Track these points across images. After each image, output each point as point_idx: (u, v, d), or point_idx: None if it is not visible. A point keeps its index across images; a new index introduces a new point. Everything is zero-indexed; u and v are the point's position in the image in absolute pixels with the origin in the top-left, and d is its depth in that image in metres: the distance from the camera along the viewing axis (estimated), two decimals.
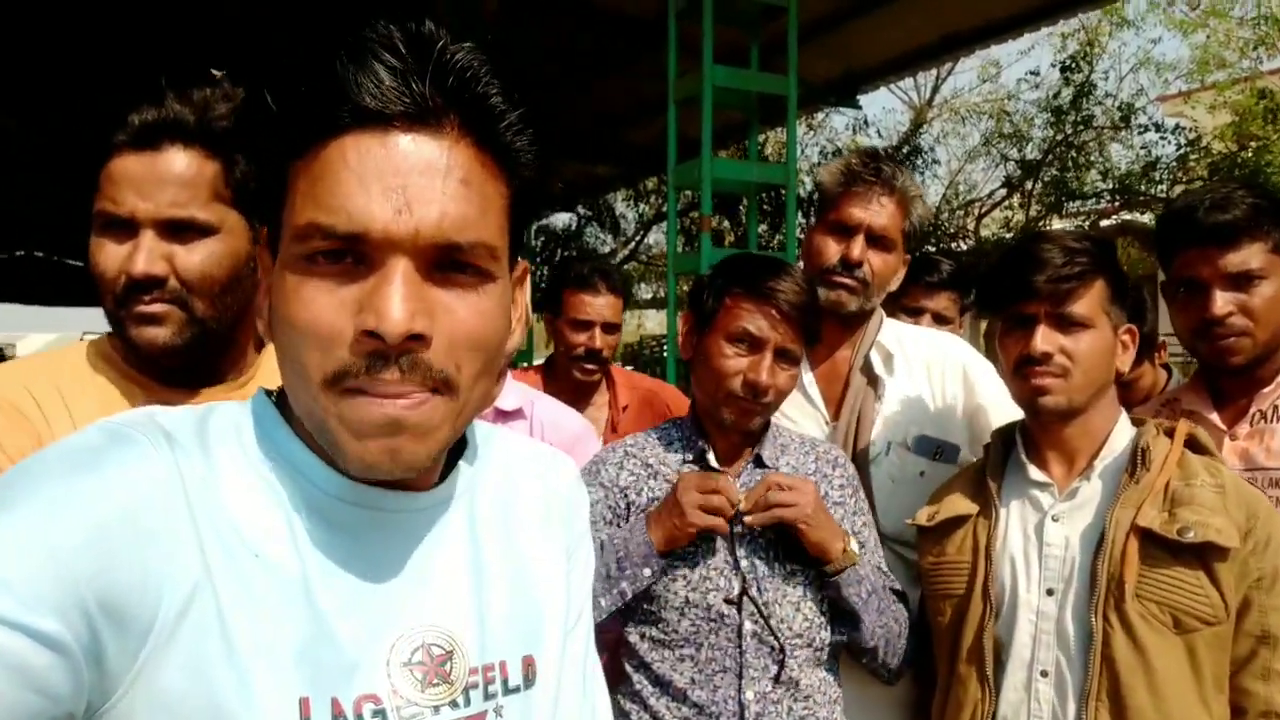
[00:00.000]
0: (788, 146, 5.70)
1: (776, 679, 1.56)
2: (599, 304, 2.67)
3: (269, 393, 0.80)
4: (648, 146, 10.11)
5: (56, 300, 12.68)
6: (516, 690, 0.82)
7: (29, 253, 11.73)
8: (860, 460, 1.95)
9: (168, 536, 0.65)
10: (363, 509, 0.76)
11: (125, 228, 1.16)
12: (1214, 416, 1.81)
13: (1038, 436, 1.63)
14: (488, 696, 0.79)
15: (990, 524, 1.62)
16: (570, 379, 2.71)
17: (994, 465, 1.67)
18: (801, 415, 2.01)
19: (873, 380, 2.02)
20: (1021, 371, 1.55)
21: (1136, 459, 1.52)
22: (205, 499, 0.69)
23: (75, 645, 0.60)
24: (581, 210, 15.68)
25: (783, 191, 6.18)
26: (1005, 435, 1.71)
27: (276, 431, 0.76)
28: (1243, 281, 1.69)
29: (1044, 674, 1.53)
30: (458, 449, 0.87)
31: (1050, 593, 1.54)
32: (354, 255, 0.68)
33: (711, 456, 1.68)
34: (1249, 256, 1.68)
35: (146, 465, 0.67)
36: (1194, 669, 1.42)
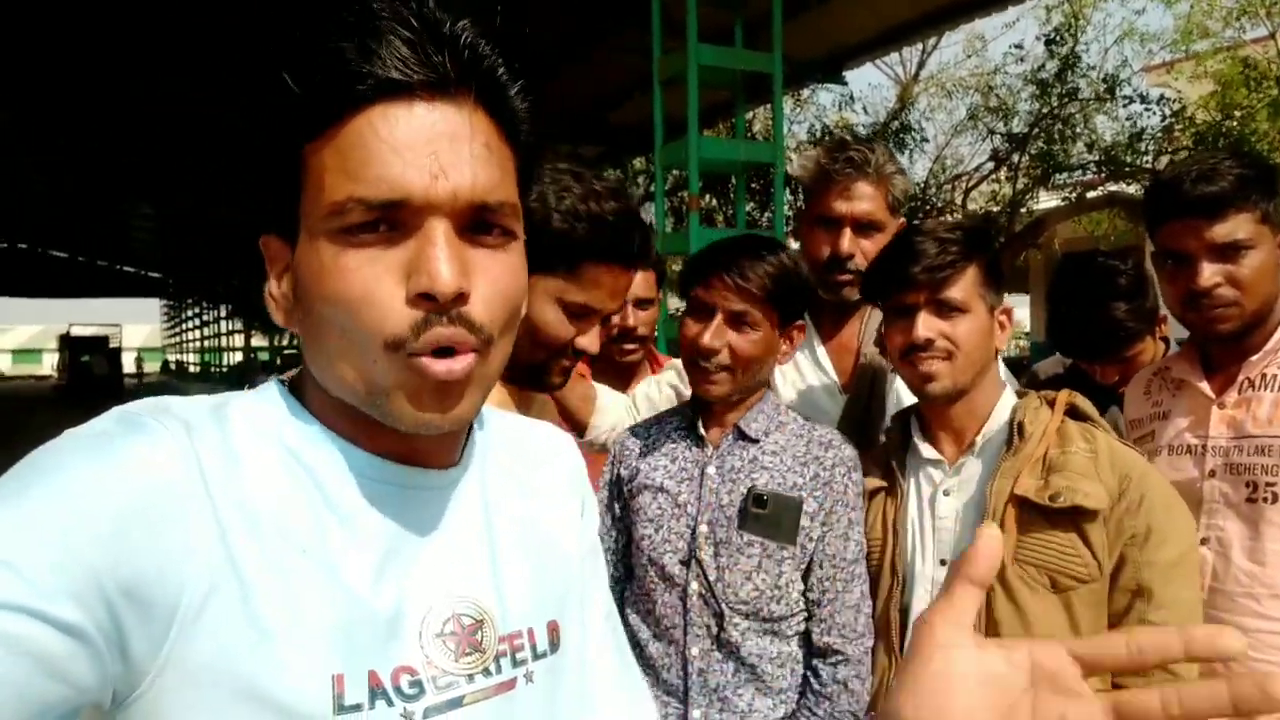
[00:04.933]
0: (774, 124, 5.68)
1: (717, 640, 1.62)
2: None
3: (282, 382, 0.81)
4: (633, 126, 10.08)
5: (41, 292, 12.59)
6: (544, 656, 0.84)
7: (13, 245, 11.67)
8: (877, 433, 1.98)
9: (186, 522, 0.65)
10: (385, 484, 0.77)
11: (585, 317, 1.40)
12: (1203, 385, 1.83)
13: (929, 417, 1.71)
14: (517, 663, 0.81)
15: (896, 501, 1.70)
16: (611, 360, 2.62)
17: (894, 446, 1.76)
18: (817, 386, 2.07)
19: (886, 354, 2.05)
20: (908, 358, 1.62)
21: (1013, 432, 1.60)
22: (225, 482, 0.69)
23: (97, 634, 0.60)
24: None
25: (771, 169, 6.16)
26: (903, 418, 1.79)
27: (293, 414, 0.77)
28: (1230, 252, 1.69)
29: None
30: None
31: (943, 563, 1.63)
32: (389, 223, 0.70)
33: (700, 426, 1.73)
34: (1236, 227, 1.68)
35: (162, 451, 0.67)
36: (1071, 625, 1.51)
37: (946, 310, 1.60)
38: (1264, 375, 1.76)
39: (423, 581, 0.77)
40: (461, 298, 0.71)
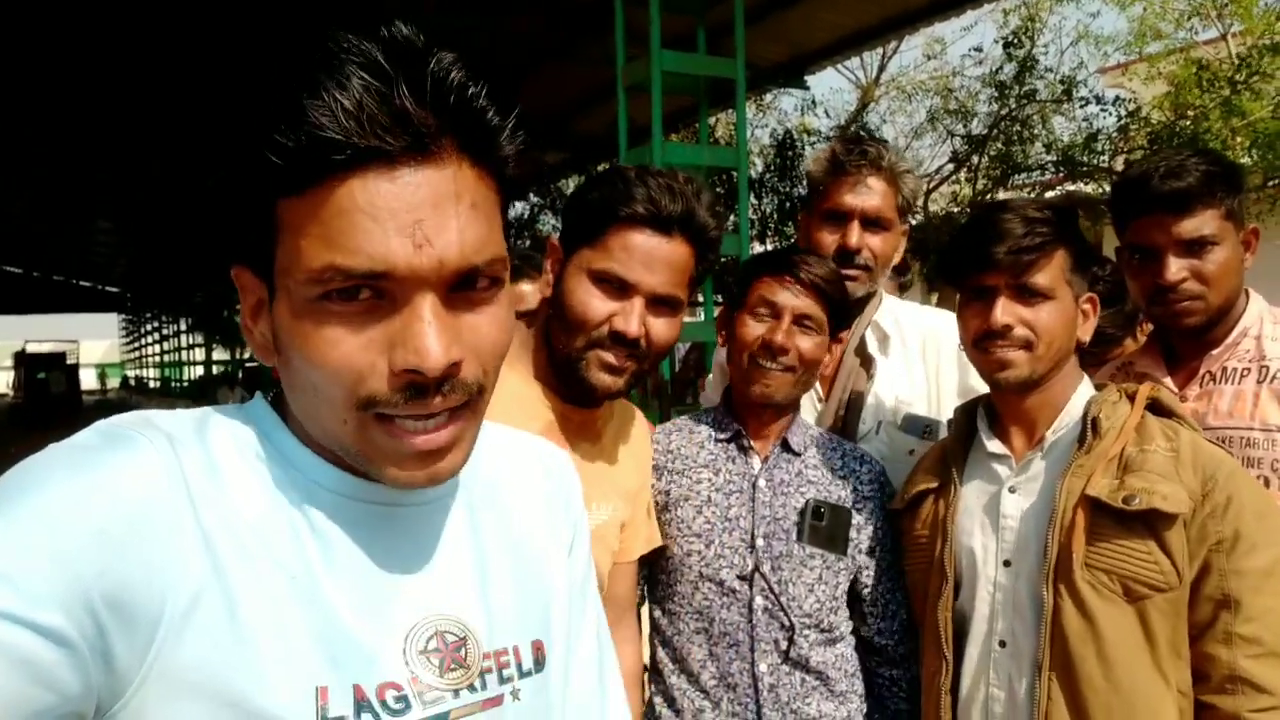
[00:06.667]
0: (737, 129, 5.71)
1: (786, 655, 1.60)
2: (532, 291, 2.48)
3: (265, 396, 0.81)
4: (598, 133, 10.08)
5: None
6: (530, 674, 0.85)
7: None
8: (849, 439, 1.97)
9: (170, 533, 0.66)
10: (364, 503, 0.78)
11: (621, 288, 1.37)
12: (1167, 379, 1.85)
13: (999, 408, 1.63)
14: (503, 680, 0.82)
15: (949, 499, 1.62)
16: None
17: (955, 441, 1.68)
18: None
19: (866, 361, 2.05)
20: (982, 344, 1.53)
21: (1087, 428, 1.51)
22: (209, 496, 0.69)
23: (82, 642, 0.60)
24: (533, 198, 15.58)
25: (734, 174, 6.18)
26: (969, 410, 1.71)
27: (276, 433, 0.77)
28: (1196, 247, 1.72)
29: (1002, 644, 1.54)
30: None
31: (1007, 564, 1.55)
32: (373, 290, 0.68)
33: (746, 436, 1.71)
34: (1202, 223, 1.71)
35: (146, 463, 0.67)
36: (1147, 637, 1.41)
37: (1029, 296, 1.50)
38: (1224, 369, 1.78)
39: (406, 598, 0.77)
40: (456, 366, 0.70)
